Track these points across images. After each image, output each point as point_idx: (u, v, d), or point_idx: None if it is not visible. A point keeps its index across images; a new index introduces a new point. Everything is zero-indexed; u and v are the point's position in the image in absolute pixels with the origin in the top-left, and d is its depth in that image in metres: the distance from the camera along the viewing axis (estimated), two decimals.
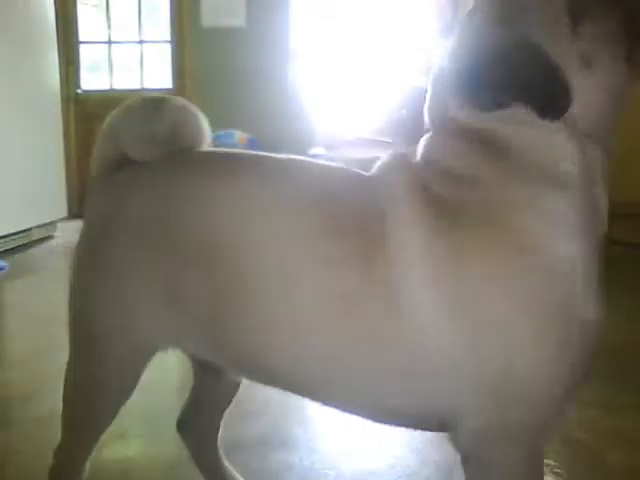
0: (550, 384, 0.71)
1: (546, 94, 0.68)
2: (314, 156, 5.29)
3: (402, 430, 1.39)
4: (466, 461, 0.76)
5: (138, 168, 0.88)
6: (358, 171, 0.82)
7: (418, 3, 6.42)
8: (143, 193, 0.85)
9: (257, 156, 0.85)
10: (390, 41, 6.49)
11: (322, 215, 0.76)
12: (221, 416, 1.09)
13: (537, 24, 0.69)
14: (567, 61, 0.68)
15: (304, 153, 5.34)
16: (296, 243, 0.75)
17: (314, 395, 0.83)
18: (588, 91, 0.69)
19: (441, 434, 1.33)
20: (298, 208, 0.77)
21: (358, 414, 0.83)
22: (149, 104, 0.91)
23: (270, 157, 0.85)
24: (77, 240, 0.91)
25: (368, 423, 1.43)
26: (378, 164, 0.81)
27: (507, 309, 0.69)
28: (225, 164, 0.84)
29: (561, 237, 0.69)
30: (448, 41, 0.76)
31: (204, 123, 0.91)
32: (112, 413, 0.91)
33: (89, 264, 0.88)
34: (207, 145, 0.91)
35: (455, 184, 0.72)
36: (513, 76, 0.68)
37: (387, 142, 5.49)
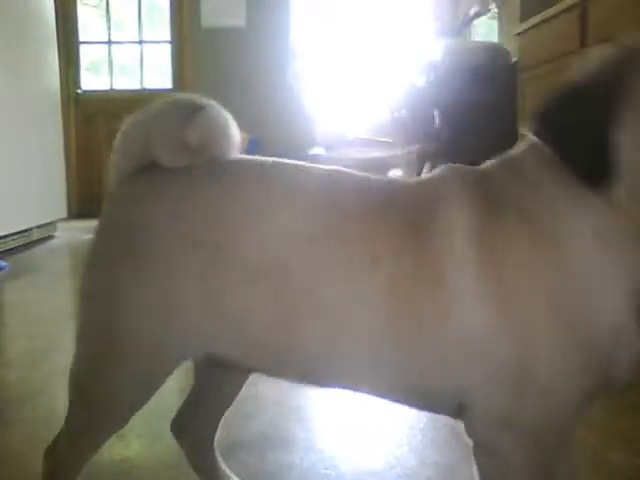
0: (568, 388, 0.73)
1: (592, 166, 0.71)
2: (314, 156, 5.29)
3: (402, 430, 1.39)
4: (478, 449, 0.77)
5: (171, 175, 0.84)
6: (402, 179, 0.86)
7: (418, 3, 6.42)
8: (184, 204, 0.82)
9: (298, 166, 0.86)
10: (390, 41, 6.49)
11: (372, 217, 0.79)
12: (220, 418, 1.08)
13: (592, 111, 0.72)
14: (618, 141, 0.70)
15: (304, 153, 5.34)
16: (347, 244, 0.78)
17: (343, 381, 0.85)
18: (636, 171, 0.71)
19: (441, 434, 1.33)
20: (346, 211, 0.80)
21: (378, 394, 0.85)
22: (184, 108, 0.86)
23: (309, 167, 0.86)
24: (94, 244, 0.86)
25: (368, 423, 1.43)
26: (432, 172, 0.86)
27: (533, 301, 0.72)
28: (269, 175, 0.84)
29: (597, 248, 0.72)
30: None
31: (236, 130, 0.89)
32: (126, 421, 0.90)
33: (116, 273, 0.84)
34: (237, 152, 0.89)
35: (503, 185, 0.77)
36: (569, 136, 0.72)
37: (387, 142, 5.48)
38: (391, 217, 0.78)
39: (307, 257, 0.78)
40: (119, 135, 0.89)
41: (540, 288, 0.72)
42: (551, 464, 0.77)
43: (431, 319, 0.75)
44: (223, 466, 1.10)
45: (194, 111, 0.84)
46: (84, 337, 0.88)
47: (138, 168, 0.87)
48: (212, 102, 0.87)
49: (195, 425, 1.08)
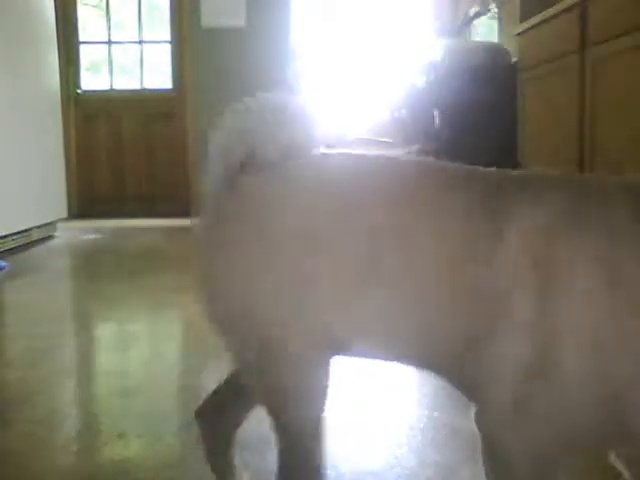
0: (576, 412, 0.72)
1: None
2: None
3: (402, 430, 1.39)
4: (483, 444, 0.77)
5: (271, 174, 0.89)
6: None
7: (418, 3, 6.42)
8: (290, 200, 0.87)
9: (392, 159, 0.91)
10: (390, 41, 6.50)
11: (464, 198, 0.81)
12: (247, 414, 1.08)
13: None
14: None
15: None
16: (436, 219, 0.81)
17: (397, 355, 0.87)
18: None
19: (441, 434, 1.33)
20: (448, 186, 0.82)
21: (413, 363, 0.87)
22: (282, 109, 0.97)
23: (402, 160, 0.91)
24: (228, 244, 0.88)
25: (368, 423, 1.43)
26: None
27: (573, 314, 0.71)
28: (363, 169, 0.90)
29: None
30: None
31: (320, 125, 0.97)
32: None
33: (264, 269, 0.86)
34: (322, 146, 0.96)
35: (613, 202, 0.76)
36: None
37: (387, 142, 5.49)
38: (474, 203, 0.80)
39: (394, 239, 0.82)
40: (217, 135, 0.94)
41: (585, 306, 0.71)
42: (552, 473, 0.77)
43: (471, 295, 0.76)
44: (237, 463, 1.11)
45: (294, 111, 0.96)
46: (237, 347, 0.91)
47: (237, 167, 0.91)
48: (303, 101, 0.98)
49: (220, 415, 1.07)
